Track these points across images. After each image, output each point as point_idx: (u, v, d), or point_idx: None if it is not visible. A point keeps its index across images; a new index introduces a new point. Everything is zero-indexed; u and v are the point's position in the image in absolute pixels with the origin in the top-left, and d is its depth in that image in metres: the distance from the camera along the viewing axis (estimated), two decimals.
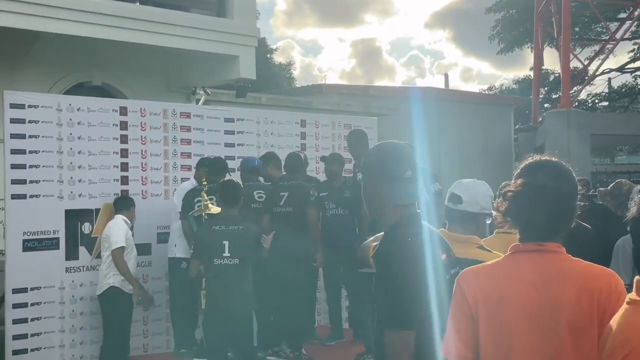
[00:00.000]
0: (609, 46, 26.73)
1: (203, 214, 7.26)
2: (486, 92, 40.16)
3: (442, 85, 34.09)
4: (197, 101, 13.16)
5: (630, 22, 22.55)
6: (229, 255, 6.35)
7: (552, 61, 42.29)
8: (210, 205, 7.25)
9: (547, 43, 26.24)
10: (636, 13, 21.93)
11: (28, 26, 9.82)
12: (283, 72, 45.19)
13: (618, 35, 24.77)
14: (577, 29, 31.34)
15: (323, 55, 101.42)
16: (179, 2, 11.74)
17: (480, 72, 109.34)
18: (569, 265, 2.39)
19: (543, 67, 28.59)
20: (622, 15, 29.60)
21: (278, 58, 75.72)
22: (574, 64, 25.26)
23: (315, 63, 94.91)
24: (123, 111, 7.94)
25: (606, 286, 2.29)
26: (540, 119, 23.44)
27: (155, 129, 8.15)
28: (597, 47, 28.48)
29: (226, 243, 6.36)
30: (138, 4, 11.25)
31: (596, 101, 37.00)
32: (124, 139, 7.89)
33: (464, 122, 21.96)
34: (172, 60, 12.50)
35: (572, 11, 25.68)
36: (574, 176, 2.47)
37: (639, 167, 28.60)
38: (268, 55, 44.53)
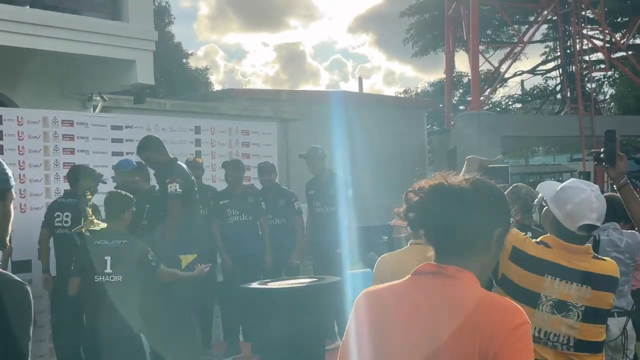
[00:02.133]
0: (519, 49, 27.08)
1: (84, 230, 6.80)
2: (402, 95, 40.36)
3: (355, 89, 34.03)
4: (95, 108, 12.64)
5: (537, 25, 22.73)
6: (110, 271, 5.95)
7: (467, 64, 42.65)
8: (95, 221, 6.80)
9: (458, 46, 26.43)
10: (543, 16, 22.14)
11: None
12: (200, 77, 44.60)
13: (527, 38, 25.02)
14: (489, 32, 31.72)
15: (247, 59, 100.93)
16: (72, 5, 11.23)
17: (403, 76, 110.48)
18: (461, 293, 2.02)
19: (457, 70, 28.88)
20: (532, 18, 30.12)
21: (201, 63, 74.72)
22: (487, 66, 25.52)
23: (238, 68, 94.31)
24: None
25: (496, 323, 1.92)
26: (453, 122, 23.56)
27: (34, 138, 7.69)
28: (508, 50, 28.85)
29: (108, 259, 5.97)
30: (28, 7, 10.72)
31: (509, 103, 37.56)
32: None
33: (378, 126, 21.87)
34: (67, 66, 11.97)
35: (483, 15, 25.96)
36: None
37: (551, 167, 29.10)
38: (184, 60, 43.96)
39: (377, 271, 4.40)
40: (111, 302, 5.88)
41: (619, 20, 27.17)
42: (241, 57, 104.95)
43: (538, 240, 3.45)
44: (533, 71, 32.90)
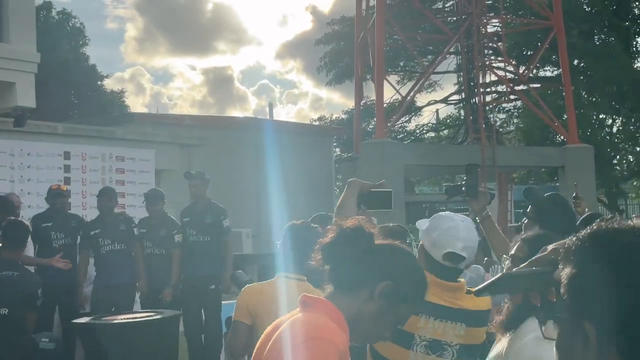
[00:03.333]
0: (429, 79, 27.45)
1: None
2: (316, 122, 40.45)
3: (286, 114, 34.05)
4: None
5: (441, 56, 23.04)
6: None
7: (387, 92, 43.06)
8: None
9: (369, 75, 26.63)
10: (447, 48, 22.48)
11: None
12: (115, 99, 43.94)
13: (435, 69, 25.33)
14: (401, 62, 32.10)
15: (174, 83, 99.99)
16: None
17: (331, 102, 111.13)
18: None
19: (371, 99, 29.04)
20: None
21: (127, 85, 73.72)
22: (397, 95, 25.72)
23: (165, 91, 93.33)
24: None
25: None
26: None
27: None
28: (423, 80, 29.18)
29: None
30: None
31: (423, 132, 37.97)
32: None
33: (285, 153, 21.76)
34: None
35: (395, 45, 26.23)
36: None
37: (431, 197, 29.32)
38: (99, 83, 43.29)
39: (239, 301, 4.34)
40: None
41: (525, 53, 27.76)
42: (168, 81, 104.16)
43: None
44: (445, 101, 33.33)
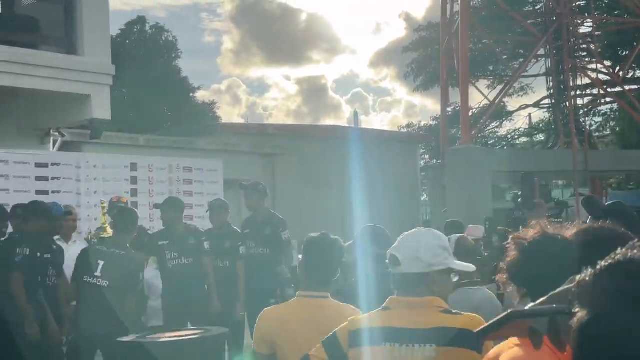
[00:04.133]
0: (524, 82, 26.75)
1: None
2: (404, 129, 39.98)
3: (380, 122, 33.82)
4: (55, 144, 12.37)
5: (528, 59, 22.36)
6: (99, 275, 6.41)
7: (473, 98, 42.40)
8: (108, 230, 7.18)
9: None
10: (535, 50, 21.80)
11: None
12: (207, 110, 44.57)
13: (525, 72, 24.64)
14: (490, 67, 31.45)
15: (270, 93, 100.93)
16: (25, 39, 11.03)
17: (425, 108, 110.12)
18: None
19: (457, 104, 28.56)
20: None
21: (224, 97, 75.03)
22: (484, 99, 25.15)
23: (260, 102, 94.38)
24: None
25: None
26: None
27: None
28: (515, 84, 28.52)
29: (101, 263, 6.45)
30: None
31: (515, 137, 37.10)
32: None
33: (370, 160, 21.50)
34: (21, 101, 11.74)
35: (484, 48, 25.67)
36: None
37: None
38: (191, 95, 44.00)
39: (256, 328, 3.97)
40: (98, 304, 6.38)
41: (620, 53, 26.74)
42: (263, 91, 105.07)
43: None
44: (538, 105, 32.49)
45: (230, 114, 76.12)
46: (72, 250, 7.38)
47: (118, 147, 14.52)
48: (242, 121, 58.22)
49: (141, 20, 43.51)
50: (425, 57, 33.10)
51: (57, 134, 12.43)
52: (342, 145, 21.50)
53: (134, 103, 40.30)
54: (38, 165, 8.11)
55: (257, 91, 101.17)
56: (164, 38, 44.06)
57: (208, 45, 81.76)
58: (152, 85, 39.43)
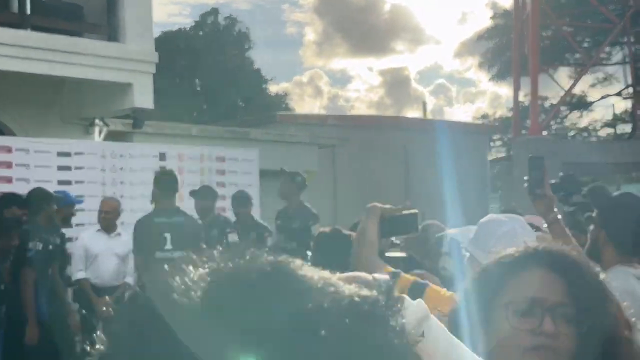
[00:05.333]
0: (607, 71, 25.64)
1: None
2: (480, 120, 38.94)
3: (464, 113, 33.23)
4: (100, 133, 12.17)
5: (602, 46, 21.32)
6: (171, 248, 6.09)
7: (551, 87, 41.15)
8: None
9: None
10: (612, 37, 20.74)
11: None
12: (280, 102, 44.43)
13: (603, 60, 23.56)
14: (568, 55, 30.30)
15: (352, 84, 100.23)
16: (69, 27, 10.84)
17: (510, 99, 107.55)
18: None
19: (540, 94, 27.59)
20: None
21: (306, 89, 75.16)
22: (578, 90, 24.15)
23: (342, 94, 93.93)
24: None
25: None
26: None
27: None
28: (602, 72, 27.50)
29: (168, 236, 6.13)
30: (29, 30, 10.37)
31: (597, 128, 35.72)
32: None
33: (435, 152, 20.82)
34: (65, 90, 11.56)
35: (558, 35, 24.65)
36: None
37: None
38: (263, 86, 43.94)
39: None
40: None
41: None
42: (346, 82, 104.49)
43: None
44: (620, 94, 31.18)
45: (311, 106, 76.11)
46: (113, 242, 7.17)
47: (169, 137, 14.29)
48: (324, 112, 57.98)
49: (214, 11, 43.62)
50: (501, 45, 32.10)
51: (101, 123, 12.23)
52: (405, 136, 20.93)
53: (207, 94, 40.48)
54: (60, 154, 7.84)
55: (339, 83, 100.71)
56: (237, 29, 44.06)
57: (290, 37, 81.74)
58: (225, 77, 39.48)
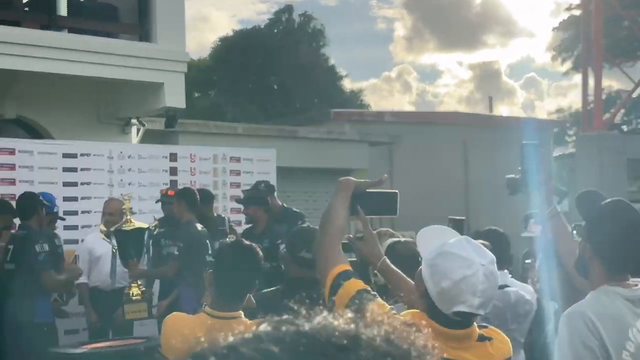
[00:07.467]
0: None
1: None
2: (554, 116, 37.79)
3: (557, 106, 32.36)
4: (138, 132, 12.24)
5: None
6: None
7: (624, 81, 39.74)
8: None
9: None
10: None
11: None
12: (354, 98, 44.21)
13: None
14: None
15: (441, 79, 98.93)
16: (97, 27, 10.94)
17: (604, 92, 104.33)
18: None
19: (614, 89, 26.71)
20: None
21: (394, 84, 74.99)
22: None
23: (430, 89, 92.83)
24: None
25: None
26: None
27: None
28: None
29: None
30: (51, 32, 10.50)
31: None
32: None
33: (495, 148, 20.29)
34: (101, 90, 11.67)
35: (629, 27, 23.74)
36: None
37: None
38: (338, 83, 43.80)
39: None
40: None
41: None
42: (435, 77, 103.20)
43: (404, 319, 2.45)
44: None
45: (400, 102, 75.53)
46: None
47: (215, 136, 14.31)
48: (412, 109, 57.24)
49: (289, 9, 43.70)
50: (575, 37, 31.15)
51: (137, 123, 12.29)
52: (464, 132, 20.46)
53: (282, 92, 40.61)
54: (66, 155, 7.85)
55: (427, 78, 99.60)
56: (311, 26, 44.04)
57: (380, 33, 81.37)
58: (300, 74, 39.58)
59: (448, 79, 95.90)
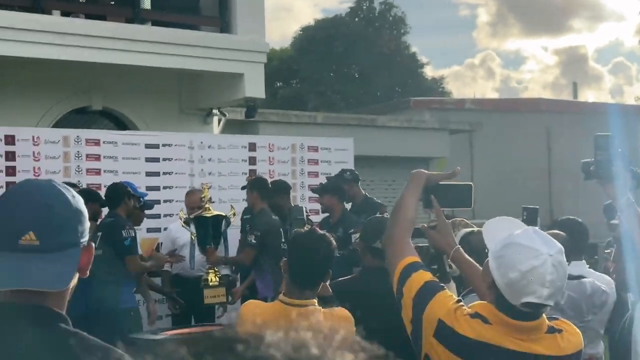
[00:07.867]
0: None
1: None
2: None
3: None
4: (219, 122, 12.46)
5: None
6: None
7: None
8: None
9: None
10: None
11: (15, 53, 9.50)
12: (435, 86, 43.83)
13: None
14: None
15: (526, 65, 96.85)
16: (179, 20, 11.17)
17: None
18: None
19: None
20: None
21: (477, 71, 74.15)
22: None
23: (514, 75, 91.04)
24: (9, 140, 7.37)
25: None
26: None
27: (53, 158, 7.52)
28: None
29: None
30: (134, 24, 10.78)
31: None
32: (10, 171, 7.31)
33: (579, 135, 19.85)
34: (182, 82, 11.92)
35: None
36: None
37: None
38: (419, 70, 43.49)
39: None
40: None
41: None
42: (520, 63, 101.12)
43: (472, 311, 2.53)
44: None
45: (483, 88, 74.51)
46: None
47: (295, 125, 14.45)
48: (496, 96, 56.41)
49: None
50: None
51: (218, 113, 12.51)
52: (548, 119, 20.08)
53: (363, 80, 40.56)
54: (148, 146, 8.05)
55: (511, 64, 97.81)
56: (392, 14, 43.84)
57: (462, 19, 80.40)
58: (381, 62, 39.45)
59: (532, 64, 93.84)
